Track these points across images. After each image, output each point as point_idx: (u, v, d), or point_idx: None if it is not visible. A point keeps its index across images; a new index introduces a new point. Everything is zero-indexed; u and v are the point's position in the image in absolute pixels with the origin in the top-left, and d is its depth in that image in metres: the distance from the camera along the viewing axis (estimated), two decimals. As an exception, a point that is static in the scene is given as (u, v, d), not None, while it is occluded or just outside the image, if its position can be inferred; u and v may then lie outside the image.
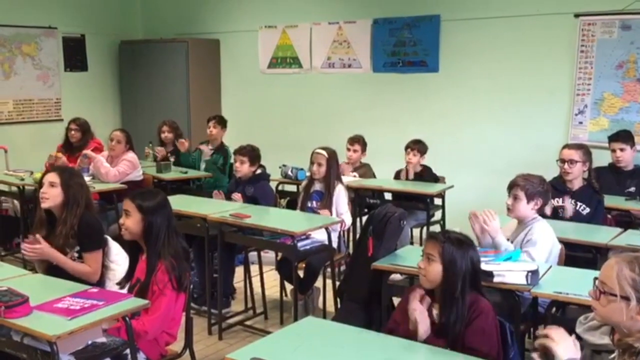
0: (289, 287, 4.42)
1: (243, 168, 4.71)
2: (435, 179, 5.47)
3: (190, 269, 4.59)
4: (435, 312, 2.43)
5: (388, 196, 5.53)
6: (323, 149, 4.60)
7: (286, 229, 3.77)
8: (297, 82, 7.19)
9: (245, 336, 4.14)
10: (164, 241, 2.83)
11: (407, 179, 5.41)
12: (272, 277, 4.83)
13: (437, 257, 2.38)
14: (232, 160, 5.54)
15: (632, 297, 1.79)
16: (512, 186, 3.36)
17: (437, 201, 5.44)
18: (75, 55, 7.60)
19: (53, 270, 3.09)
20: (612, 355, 1.86)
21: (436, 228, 5.46)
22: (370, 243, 3.29)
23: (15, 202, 5.72)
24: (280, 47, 7.23)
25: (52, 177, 3.21)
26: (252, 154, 4.76)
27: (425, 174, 5.43)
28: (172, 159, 6.05)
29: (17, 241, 5.73)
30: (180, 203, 4.40)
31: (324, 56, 6.93)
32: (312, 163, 4.62)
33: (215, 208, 4.26)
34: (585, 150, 4.16)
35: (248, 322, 4.38)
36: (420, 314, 2.33)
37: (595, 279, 1.89)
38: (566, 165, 4.08)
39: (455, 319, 2.28)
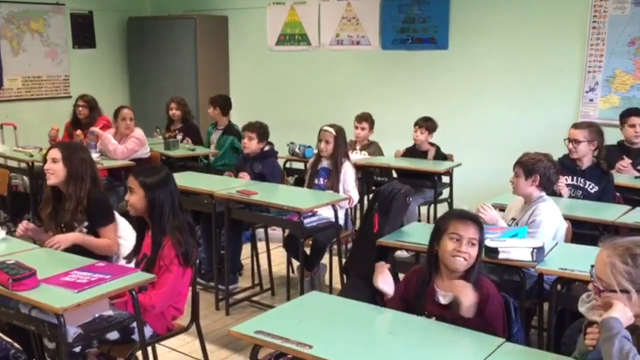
0: (295, 263, 4.45)
1: (251, 145, 4.71)
2: (444, 157, 5.45)
3: (198, 245, 4.67)
4: (442, 293, 2.43)
5: (396, 174, 5.52)
6: (331, 126, 4.58)
7: (292, 206, 3.78)
8: (305, 59, 7.15)
9: (252, 311, 4.18)
10: (168, 217, 2.84)
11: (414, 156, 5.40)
12: (280, 254, 4.85)
13: (478, 241, 2.40)
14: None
15: (632, 290, 1.79)
16: (515, 164, 3.36)
17: (445, 179, 5.42)
18: (83, 32, 7.59)
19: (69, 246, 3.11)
20: None
21: (444, 206, 5.45)
22: (376, 219, 3.29)
23: (25, 178, 5.76)
24: (289, 24, 7.18)
25: (54, 152, 3.23)
26: (260, 130, 4.76)
27: (434, 152, 5.41)
28: (179, 137, 6.05)
29: (27, 217, 5.78)
30: (187, 180, 4.42)
31: (332, 33, 6.88)
32: (319, 140, 4.60)
33: (222, 185, 4.27)
34: (594, 129, 4.11)
35: (255, 298, 4.41)
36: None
37: (592, 266, 1.89)
38: (570, 145, 4.06)
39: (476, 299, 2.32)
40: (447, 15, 6.09)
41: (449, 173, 5.30)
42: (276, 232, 5.08)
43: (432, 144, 5.46)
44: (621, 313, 1.79)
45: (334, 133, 4.53)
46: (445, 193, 5.49)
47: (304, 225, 3.82)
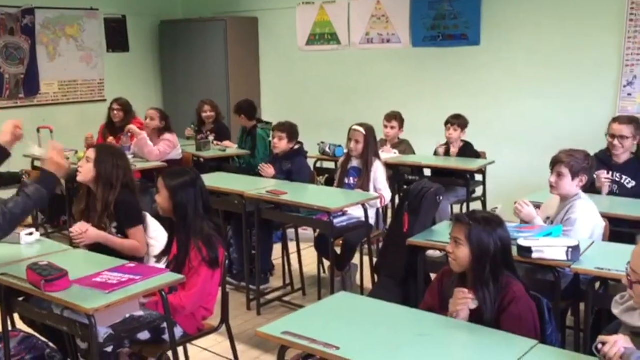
0: (327, 263, 4.43)
1: (281, 144, 4.74)
2: (477, 154, 5.36)
3: (229, 245, 4.71)
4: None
5: (428, 172, 5.46)
6: (360, 125, 4.55)
7: (322, 206, 3.76)
8: (335, 58, 7.13)
9: (284, 312, 4.17)
10: (193, 219, 2.86)
11: (447, 154, 5.33)
12: (311, 254, 4.84)
13: (464, 240, 2.33)
14: (270, 139, 5.53)
15: None
16: (555, 163, 3.24)
17: (478, 177, 5.33)
18: (116, 36, 7.70)
19: (98, 246, 3.13)
20: None
21: (477, 204, 5.37)
22: (406, 219, 3.25)
23: (62, 180, 5.87)
24: (318, 23, 7.16)
25: (90, 152, 3.27)
26: (290, 130, 4.78)
27: (467, 150, 5.33)
28: (211, 138, 6.10)
29: (63, 219, 5.90)
30: (218, 181, 4.45)
31: (362, 32, 6.84)
32: (349, 140, 4.57)
33: (253, 185, 4.28)
34: (637, 124, 3.99)
35: (286, 298, 4.41)
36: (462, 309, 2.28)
37: (628, 263, 1.82)
38: (616, 141, 3.93)
39: (489, 301, 2.23)
40: (479, 11, 5.99)
41: (481, 171, 5.21)
42: (307, 232, 5.07)
43: (464, 142, 5.39)
44: (624, 341, 1.75)
45: (363, 132, 4.50)
46: (479, 191, 5.40)
47: (334, 225, 3.80)
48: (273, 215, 4.19)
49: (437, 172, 5.31)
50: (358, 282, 4.32)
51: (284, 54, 7.55)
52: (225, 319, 3.01)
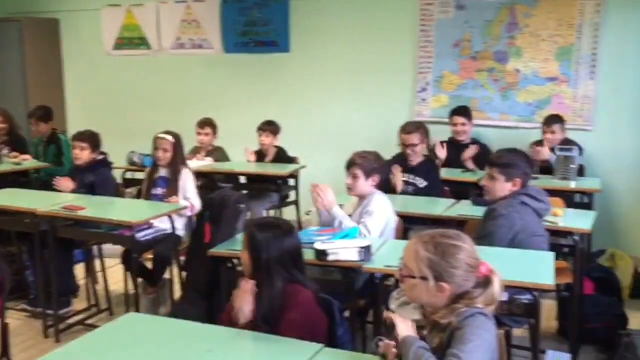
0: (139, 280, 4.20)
1: (83, 155, 4.40)
2: (290, 160, 5.45)
3: (25, 268, 4.29)
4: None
5: (243, 180, 5.45)
6: (167, 133, 4.39)
7: (122, 220, 3.55)
8: (146, 64, 6.85)
9: (87, 336, 3.88)
10: None
11: (262, 161, 5.36)
12: (121, 271, 4.57)
13: (246, 246, 2.33)
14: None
15: (430, 277, 1.82)
16: (350, 165, 3.39)
17: (293, 182, 5.42)
18: None
19: None
20: (425, 331, 1.90)
21: (291, 209, 5.47)
22: (208, 229, 3.17)
23: None
24: (127, 27, 6.84)
25: None
26: (92, 139, 4.47)
27: (280, 156, 5.40)
28: (6, 151, 5.52)
29: None
30: (7, 198, 4.04)
31: (173, 36, 6.65)
32: (156, 149, 4.39)
33: (48, 201, 3.93)
34: (423, 129, 4.30)
35: (91, 321, 4.10)
36: (243, 298, 2.25)
37: (401, 258, 1.91)
38: (409, 151, 4.21)
39: (268, 306, 2.22)
40: (287, 19, 6.11)
41: (294, 176, 5.30)
42: (117, 248, 4.78)
43: (278, 147, 5.45)
44: (404, 326, 1.83)
45: (172, 140, 4.35)
46: (294, 196, 5.49)
47: (137, 240, 3.61)
48: (70, 232, 3.88)
49: (252, 179, 5.32)
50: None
51: (90, 58, 7.11)
52: (5, 353, 2.70)
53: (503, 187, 3.02)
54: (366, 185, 3.34)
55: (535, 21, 5.20)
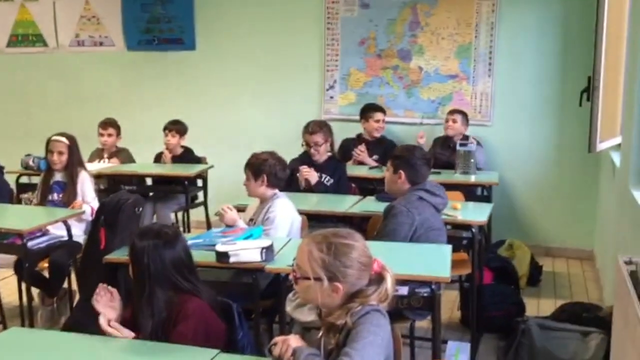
0: (35, 291, 3.97)
1: (-31, 161, 4.12)
2: (197, 160, 5.33)
3: None
4: None
5: (150, 182, 5.28)
6: (61, 135, 4.17)
7: (11, 227, 3.34)
8: (43, 62, 6.50)
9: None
10: None
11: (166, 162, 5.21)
12: (15, 281, 4.31)
13: (128, 254, 2.24)
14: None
15: (324, 278, 1.81)
16: (244, 167, 3.36)
17: (200, 183, 5.30)
18: None
19: None
20: (320, 333, 1.88)
21: (200, 210, 5.35)
22: (102, 234, 3.03)
23: None
24: (20, 23, 6.47)
25: None
26: (-21, 144, 4.18)
27: (186, 156, 5.27)
28: None
29: None
30: None
31: (71, 33, 6.35)
32: (50, 152, 4.17)
33: None
34: (326, 128, 4.32)
35: (-20, 337, 3.84)
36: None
37: (294, 259, 1.89)
38: (312, 149, 4.21)
39: (156, 318, 2.13)
40: (192, 16, 5.97)
41: (201, 176, 5.19)
42: (10, 257, 4.51)
43: (184, 147, 5.32)
44: (294, 341, 1.81)
45: (67, 142, 4.14)
46: (202, 196, 5.38)
47: (28, 248, 3.41)
48: (-48, 244, 3.62)
49: (159, 180, 5.17)
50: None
51: (-20, 57, 6.67)
52: None
53: (392, 178, 3.13)
54: (256, 186, 3.30)
55: (435, 20, 5.35)
